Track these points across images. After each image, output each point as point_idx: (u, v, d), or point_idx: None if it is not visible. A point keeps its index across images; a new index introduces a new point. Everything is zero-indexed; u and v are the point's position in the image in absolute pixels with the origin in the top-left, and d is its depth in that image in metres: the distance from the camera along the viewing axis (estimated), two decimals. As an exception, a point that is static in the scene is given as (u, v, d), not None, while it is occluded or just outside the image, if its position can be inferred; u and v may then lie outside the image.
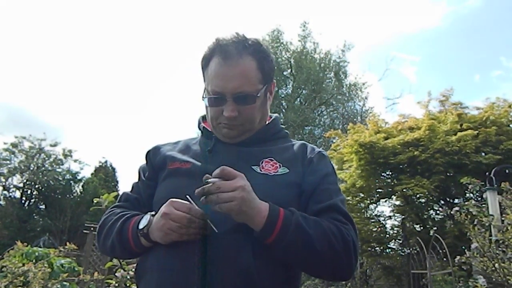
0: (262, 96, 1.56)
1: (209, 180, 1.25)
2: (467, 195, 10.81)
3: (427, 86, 46.52)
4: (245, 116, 1.52)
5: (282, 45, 29.41)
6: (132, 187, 1.72)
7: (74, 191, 30.26)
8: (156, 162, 1.65)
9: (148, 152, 1.72)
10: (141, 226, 1.41)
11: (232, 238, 1.34)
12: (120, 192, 1.83)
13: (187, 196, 1.33)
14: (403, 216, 13.02)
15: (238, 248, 1.33)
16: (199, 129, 1.73)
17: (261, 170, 1.48)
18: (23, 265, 5.02)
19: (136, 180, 1.73)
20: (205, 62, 1.55)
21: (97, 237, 1.61)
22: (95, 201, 4.02)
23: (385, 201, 13.74)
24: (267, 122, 1.68)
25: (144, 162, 1.74)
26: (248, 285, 1.30)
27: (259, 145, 1.59)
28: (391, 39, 43.35)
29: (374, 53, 43.64)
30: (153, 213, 1.43)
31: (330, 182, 1.53)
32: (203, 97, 1.58)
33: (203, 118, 1.73)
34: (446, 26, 40.29)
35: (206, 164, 1.46)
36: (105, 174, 29.99)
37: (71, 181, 30.20)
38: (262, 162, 1.51)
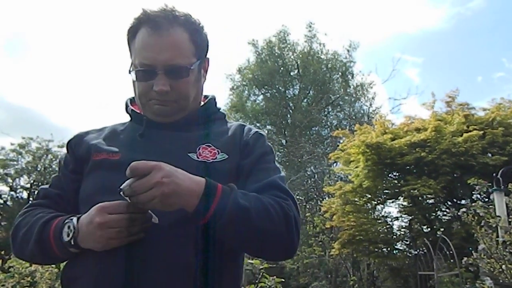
0: (196, 70, 1.44)
1: (122, 186, 1.13)
2: (474, 196, 10.78)
3: (430, 87, 46.48)
4: (178, 91, 1.39)
5: (288, 46, 29.43)
6: (52, 181, 1.53)
7: (81, 191, 30.32)
8: (80, 153, 1.47)
9: (69, 142, 1.54)
10: (65, 238, 1.25)
11: (172, 234, 1.24)
12: None
13: (122, 193, 1.16)
14: (410, 217, 12.99)
15: (178, 245, 1.23)
16: (127, 112, 1.57)
17: (198, 158, 1.36)
18: (30, 265, 5.05)
19: (57, 173, 1.55)
20: (132, 33, 1.42)
21: (12, 243, 1.41)
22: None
23: (392, 202, 13.71)
24: (202, 103, 1.56)
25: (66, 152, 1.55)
26: (189, 283, 1.23)
27: (195, 129, 1.47)
28: (393, 40, 43.19)
29: (377, 54, 43.46)
30: (73, 219, 1.27)
31: (267, 161, 1.45)
32: (129, 71, 1.43)
33: (131, 100, 1.58)
34: (449, 28, 40.18)
35: (137, 153, 1.30)
36: (112, 175, 30.02)
37: (78, 182, 30.24)
38: (199, 149, 1.39)
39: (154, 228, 1.22)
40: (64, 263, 1.39)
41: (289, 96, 29.47)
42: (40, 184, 27.41)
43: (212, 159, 1.37)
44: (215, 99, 1.60)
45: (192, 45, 1.41)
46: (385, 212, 15.00)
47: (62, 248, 1.27)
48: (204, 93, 1.59)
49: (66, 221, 1.27)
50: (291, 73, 29.42)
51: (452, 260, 8.77)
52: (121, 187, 1.13)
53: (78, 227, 1.23)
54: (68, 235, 1.24)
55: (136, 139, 1.44)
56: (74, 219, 1.26)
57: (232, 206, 1.20)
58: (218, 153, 1.39)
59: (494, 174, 7.66)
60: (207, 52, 1.52)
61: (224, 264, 1.31)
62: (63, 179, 1.49)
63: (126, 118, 1.59)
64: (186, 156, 1.36)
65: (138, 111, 1.52)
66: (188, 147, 1.39)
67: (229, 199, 1.20)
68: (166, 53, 1.35)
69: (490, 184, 6.97)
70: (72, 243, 1.24)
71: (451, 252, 8.46)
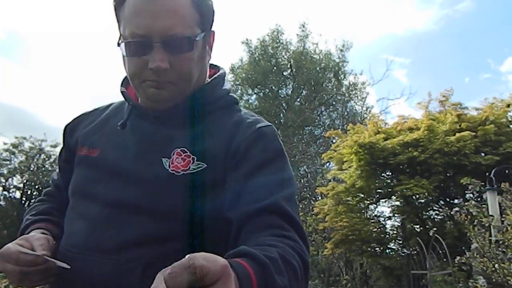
0: (201, 45, 1.16)
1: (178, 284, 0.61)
2: (467, 195, 10.82)
3: (417, 88, 46.65)
4: (179, 70, 1.11)
5: (282, 45, 29.42)
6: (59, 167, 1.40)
7: (73, 191, 30.18)
8: (70, 143, 1.30)
9: (65, 128, 1.35)
10: None
11: (114, 260, 1.04)
12: None
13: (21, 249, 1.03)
14: (403, 217, 13.01)
15: (122, 272, 1.02)
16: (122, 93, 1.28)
17: (169, 167, 1.10)
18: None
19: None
20: None
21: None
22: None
23: (385, 201, 13.74)
24: (206, 82, 1.25)
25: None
26: None
27: (183, 123, 1.17)
28: (381, 41, 43.12)
29: (365, 54, 43.45)
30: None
31: (268, 173, 1.09)
32: (118, 44, 1.15)
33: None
34: (438, 29, 40.29)
35: (113, 151, 1.14)
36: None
37: (71, 182, 30.10)
38: (173, 153, 1.11)
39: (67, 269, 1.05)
40: None
41: (282, 96, 29.45)
42: (32, 184, 27.35)
43: (182, 170, 1.09)
44: (223, 78, 1.29)
45: (196, 13, 1.12)
46: (378, 211, 15.05)
47: None
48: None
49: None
50: (284, 73, 29.40)
51: (445, 259, 8.81)
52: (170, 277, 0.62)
53: None
54: None
55: (116, 131, 1.21)
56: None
57: None
58: (192, 162, 1.10)
59: (487, 174, 7.69)
60: (212, 23, 1.22)
61: None
62: (60, 169, 1.38)
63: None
64: (159, 161, 1.11)
65: (127, 94, 1.26)
66: (165, 149, 1.13)
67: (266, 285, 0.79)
68: (165, 20, 1.06)
69: (483, 183, 7.01)
70: None
71: (444, 251, 8.49)
